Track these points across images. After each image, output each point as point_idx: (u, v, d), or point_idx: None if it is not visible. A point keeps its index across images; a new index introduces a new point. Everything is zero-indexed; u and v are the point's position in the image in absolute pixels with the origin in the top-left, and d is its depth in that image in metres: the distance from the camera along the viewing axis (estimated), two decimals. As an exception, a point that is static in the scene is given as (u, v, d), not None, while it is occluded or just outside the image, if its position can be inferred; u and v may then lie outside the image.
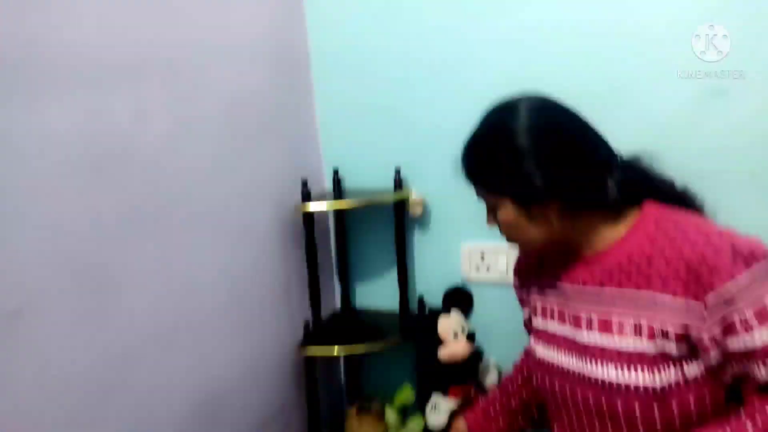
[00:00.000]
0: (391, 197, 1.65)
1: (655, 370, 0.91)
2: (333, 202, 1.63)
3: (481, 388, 1.69)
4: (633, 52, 1.43)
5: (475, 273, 1.70)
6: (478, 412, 1.34)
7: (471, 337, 1.62)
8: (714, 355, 0.88)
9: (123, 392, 1.14)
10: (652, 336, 0.91)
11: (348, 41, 1.71)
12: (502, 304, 1.67)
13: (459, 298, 1.71)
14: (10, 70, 0.92)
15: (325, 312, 1.75)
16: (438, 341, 1.62)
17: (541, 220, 0.97)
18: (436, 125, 1.65)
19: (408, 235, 1.76)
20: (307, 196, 1.58)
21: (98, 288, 1.08)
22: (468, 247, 1.69)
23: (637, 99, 1.44)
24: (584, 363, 0.99)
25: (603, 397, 0.96)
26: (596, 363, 0.97)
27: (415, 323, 1.72)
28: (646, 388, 0.91)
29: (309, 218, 1.61)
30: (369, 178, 1.75)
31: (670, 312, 0.90)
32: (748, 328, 0.84)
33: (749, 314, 0.84)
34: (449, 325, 1.63)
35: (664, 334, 0.90)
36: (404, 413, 1.75)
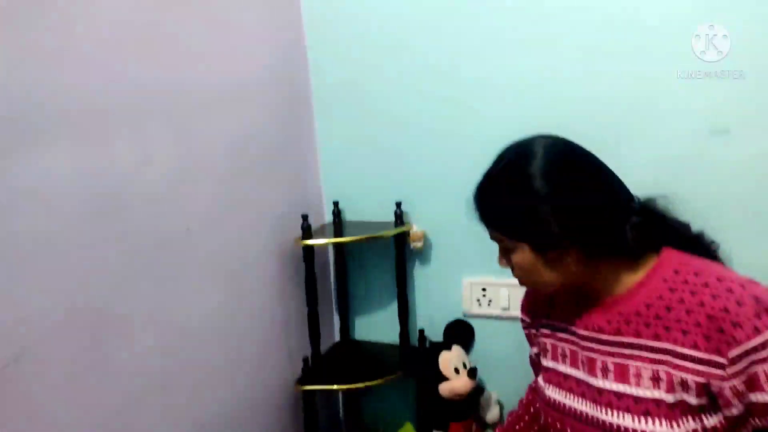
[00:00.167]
0: (391, 231, 1.65)
1: (673, 421, 0.89)
2: (333, 240, 1.63)
3: (481, 424, 1.67)
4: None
5: (476, 307, 1.69)
6: None
7: (472, 372, 1.61)
8: (735, 407, 0.86)
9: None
10: (671, 386, 0.89)
11: (350, 78, 1.72)
12: (504, 338, 1.67)
13: (460, 332, 1.70)
14: (12, 116, 0.91)
15: (324, 344, 1.73)
16: (439, 376, 1.61)
17: (557, 264, 0.95)
18: (437, 160, 1.66)
19: (409, 268, 1.75)
20: (307, 231, 1.58)
21: (98, 330, 1.07)
22: (469, 281, 1.69)
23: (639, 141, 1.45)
24: (599, 408, 0.96)
25: None
26: (612, 410, 0.94)
27: (416, 357, 1.70)
28: None
29: (309, 252, 1.61)
30: (370, 211, 1.75)
31: (691, 363, 0.88)
32: None
33: None
34: (450, 360, 1.61)
35: (684, 385, 0.88)
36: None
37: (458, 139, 1.62)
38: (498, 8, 1.53)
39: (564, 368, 1.05)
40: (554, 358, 1.08)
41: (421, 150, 1.67)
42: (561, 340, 1.07)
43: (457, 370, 1.61)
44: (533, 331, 1.16)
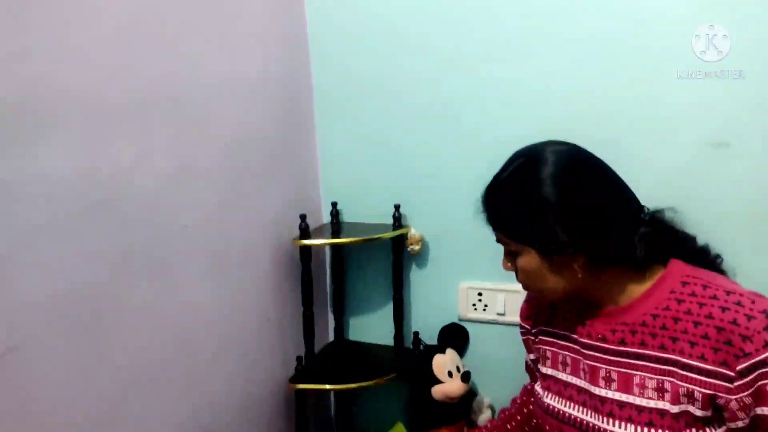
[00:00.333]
0: (389, 234, 1.65)
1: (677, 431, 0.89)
2: (330, 240, 1.63)
3: (473, 428, 1.67)
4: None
5: (472, 312, 1.70)
6: None
7: (466, 376, 1.61)
8: (741, 420, 0.86)
9: (116, 429, 1.11)
10: (676, 397, 0.89)
11: (351, 79, 1.72)
12: (498, 343, 1.68)
13: (455, 335, 1.70)
14: (11, 112, 0.90)
15: (318, 344, 1.73)
16: (432, 379, 1.61)
17: (564, 271, 0.95)
18: (437, 164, 1.66)
19: (405, 271, 1.75)
20: (305, 231, 1.58)
21: (93, 327, 1.06)
22: (465, 285, 1.69)
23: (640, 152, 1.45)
24: (600, 418, 0.96)
25: None
26: (614, 420, 0.94)
27: (410, 359, 1.71)
28: None
29: (306, 252, 1.61)
30: (368, 212, 1.75)
31: (698, 375, 0.88)
32: None
33: None
34: (444, 363, 1.62)
35: (690, 397, 0.88)
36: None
37: (459, 143, 1.62)
38: (499, 11, 1.53)
39: (564, 376, 1.05)
40: (554, 366, 1.08)
41: (421, 153, 1.68)
42: (562, 347, 1.07)
43: (450, 374, 1.61)
44: (532, 337, 1.16)
